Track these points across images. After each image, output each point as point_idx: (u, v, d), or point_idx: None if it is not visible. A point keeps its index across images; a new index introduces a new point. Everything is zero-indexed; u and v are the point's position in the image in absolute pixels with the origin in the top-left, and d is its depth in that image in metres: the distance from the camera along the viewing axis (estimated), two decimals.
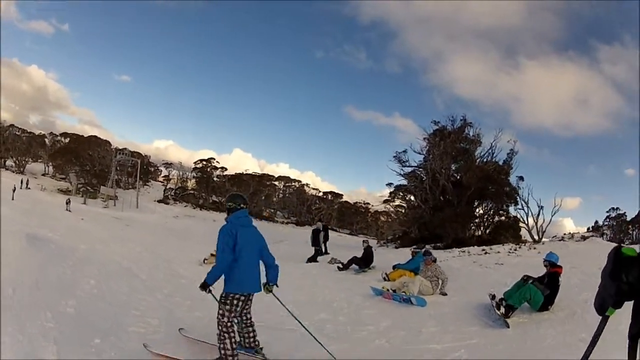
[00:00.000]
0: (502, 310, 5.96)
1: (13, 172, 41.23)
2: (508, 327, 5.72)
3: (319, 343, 4.42)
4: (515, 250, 13.71)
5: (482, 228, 22.23)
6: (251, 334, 4.27)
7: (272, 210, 44.98)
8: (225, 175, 46.10)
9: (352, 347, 5.20)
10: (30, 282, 6.28)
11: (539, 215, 18.76)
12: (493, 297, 6.41)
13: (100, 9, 65.23)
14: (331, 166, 76.73)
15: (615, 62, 43.67)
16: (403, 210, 28.06)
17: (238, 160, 68.43)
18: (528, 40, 54.23)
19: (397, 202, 28.74)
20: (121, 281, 7.80)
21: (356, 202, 46.19)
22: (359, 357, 4.90)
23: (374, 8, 63.34)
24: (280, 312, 5.06)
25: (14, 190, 27.84)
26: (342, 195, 46.79)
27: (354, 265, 11.52)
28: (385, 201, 28.83)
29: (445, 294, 7.97)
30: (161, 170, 49.67)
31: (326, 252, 14.46)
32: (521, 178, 21.98)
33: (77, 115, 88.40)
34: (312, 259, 13.85)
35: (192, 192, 44.97)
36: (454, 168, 23.03)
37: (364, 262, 11.57)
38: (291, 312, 4.66)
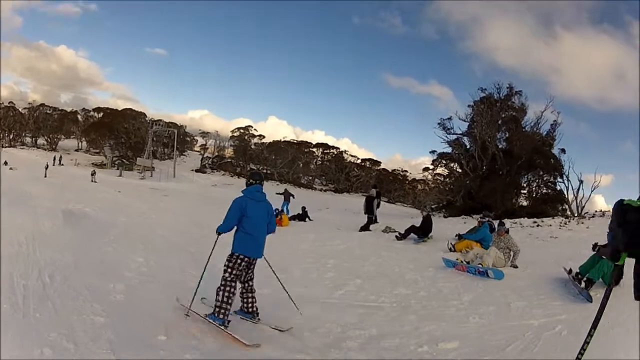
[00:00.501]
0: (583, 284, 5.85)
1: (45, 150, 42.17)
2: (591, 301, 5.44)
3: (294, 304, 4.79)
4: (566, 224, 13.24)
5: (528, 200, 21.77)
6: (250, 300, 4.51)
7: (310, 178, 44.12)
8: (263, 142, 45.34)
9: (450, 326, 4.75)
10: (69, 263, 5.52)
11: (578, 189, 18.11)
12: (570, 271, 6.34)
13: None
14: (367, 133, 73.56)
15: None
16: (444, 179, 26.90)
17: (274, 128, 66.95)
18: (564, 7, 49.29)
19: (439, 170, 27.32)
20: (170, 257, 7.06)
21: (394, 170, 44.47)
22: (466, 336, 4.44)
23: None
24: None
25: (46, 168, 28.16)
26: (380, 162, 45.14)
27: (412, 235, 10.68)
28: (425, 169, 27.31)
29: (516, 267, 7.59)
30: (197, 140, 49.15)
31: (376, 221, 13.44)
32: (563, 151, 20.83)
33: (110, 90, 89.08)
34: (365, 228, 12.91)
35: (229, 160, 44.51)
36: (500, 136, 22.01)
37: (423, 231, 10.69)
38: (275, 272, 4.99)
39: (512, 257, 7.65)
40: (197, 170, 40.91)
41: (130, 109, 43.94)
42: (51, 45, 65.97)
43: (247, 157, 44.22)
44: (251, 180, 4.56)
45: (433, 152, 25.55)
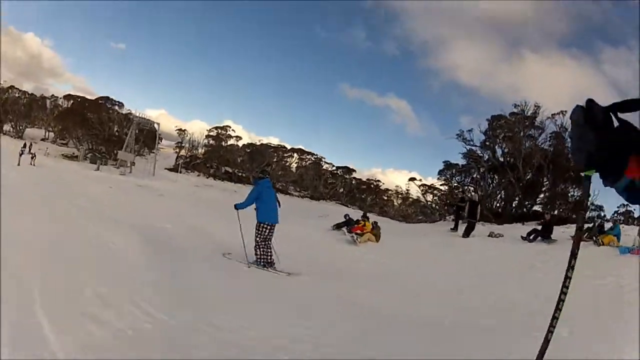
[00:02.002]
0: None
1: (12, 137, 38.86)
2: None
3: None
4: None
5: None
6: (269, 253, 7.01)
7: (284, 184, 43.52)
8: (238, 144, 44.26)
9: None
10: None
11: None
12: None
13: None
14: (320, 140, 74.12)
15: (619, 64, 42.80)
16: (450, 189, 28.46)
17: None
18: (534, 35, 52.30)
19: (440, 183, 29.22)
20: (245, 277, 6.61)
21: (369, 179, 44.84)
22: None
23: None
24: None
25: (21, 155, 26.36)
26: (354, 170, 44.83)
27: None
28: (412, 179, 31.17)
29: None
30: (162, 138, 47.00)
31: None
32: None
33: (71, 83, 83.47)
34: (469, 232, 14.21)
35: (201, 161, 43.15)
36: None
37: (549, 231, 12.44)
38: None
39: None
40: (170, 169, 39.32)
41: (107, 98, 41.23)
42: (20, 31, 61.10)
43: (220, 158, 43.01)
44: (261, 175, 7.75)
45: (447, 162, 27.43)
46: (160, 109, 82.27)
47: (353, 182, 44.21)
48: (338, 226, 13.70)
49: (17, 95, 41.81)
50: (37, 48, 54.22)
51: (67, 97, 43.99)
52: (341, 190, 43.82)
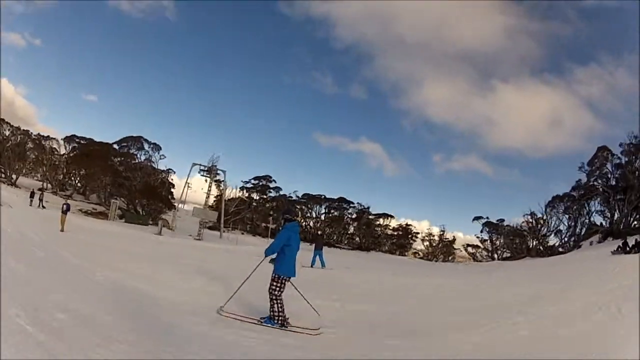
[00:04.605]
0: None
1: (7, 184, 29.30)
2: None
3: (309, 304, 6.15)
4: None
5: None
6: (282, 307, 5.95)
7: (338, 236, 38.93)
8: (292, 195, 38.85)
9: None
10: None
11: None
12: None
13: (75, 24, 55.67)
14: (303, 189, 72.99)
15: (590, 82, 46.19)
16: None
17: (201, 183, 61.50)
18: (504, 64, 55.21)
19: None
20: None
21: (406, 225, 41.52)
22: None
23: (349, 30, 61.06)
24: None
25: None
26: (393, 216, 41.01)
27: None
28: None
29: None
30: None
31: None
32: None
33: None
34: None
35: (242, 216, 36.52)
36: None
37: None
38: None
39: None
40: (210, 228, 32.15)
41: (131, 138, 33.86)
42: None
43: (263, 213, 37.09)
44: (287, 216, 6.19)
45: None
46: None
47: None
48: None
49: (7, 132, 32.80)
50: (10, 95, 46.75)
51: (69, 139, 35.93)
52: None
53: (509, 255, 32.64)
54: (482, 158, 61.58)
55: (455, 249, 38.09)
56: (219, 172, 31.99)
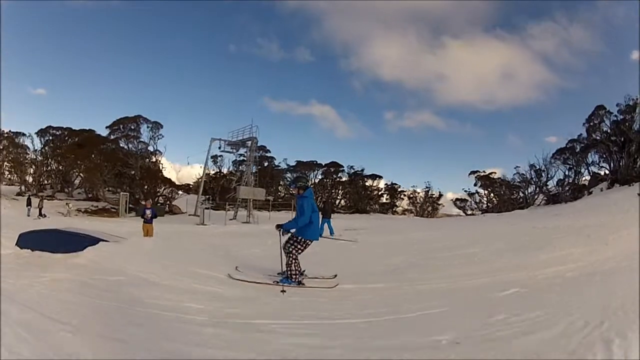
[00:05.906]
0: None
1: None
2: None
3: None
4: None
5: None
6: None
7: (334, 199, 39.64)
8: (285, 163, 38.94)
9: None
10: None
11: None
12: None
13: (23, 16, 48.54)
14: None
15: (545, 37, 46.92)
16: None
17: None
18: (456, 21, 55.01)
19: None
20: None
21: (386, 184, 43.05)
22: None
23: None
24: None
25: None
26: (381, 176, 42.15)
27: None
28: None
29: None
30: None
31: None
32: None
33: None
34: None
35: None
36: None
37: None
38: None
39: None
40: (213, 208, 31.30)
41: (127, 119, 30.80)
42: None
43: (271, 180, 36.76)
44: (301, 183, 6.02)
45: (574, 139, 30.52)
46: None
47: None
48: None
49: None
50: None
51: (43, 132, 32.49)
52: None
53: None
54: (435, 114, 63.30)
55: (438, 204, 40.43)
56: (246, 144, 28.61)
